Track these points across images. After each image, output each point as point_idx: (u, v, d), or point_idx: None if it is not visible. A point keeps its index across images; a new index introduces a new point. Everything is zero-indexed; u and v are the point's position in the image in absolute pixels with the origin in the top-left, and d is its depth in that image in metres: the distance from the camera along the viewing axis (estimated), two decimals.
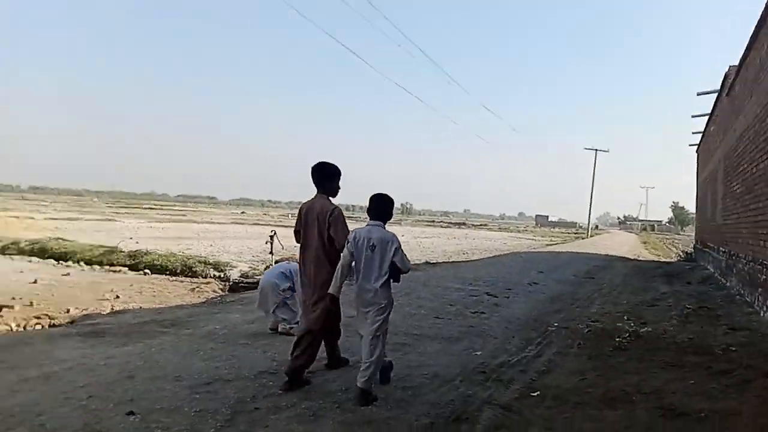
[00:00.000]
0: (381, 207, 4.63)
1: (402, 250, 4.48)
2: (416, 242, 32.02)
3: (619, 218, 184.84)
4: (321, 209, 4.76)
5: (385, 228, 4.58)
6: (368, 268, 4.42)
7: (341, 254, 4.53)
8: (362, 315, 4.50)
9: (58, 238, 19.96)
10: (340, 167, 5.01)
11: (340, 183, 5.00)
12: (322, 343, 4.95)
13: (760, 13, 9.13)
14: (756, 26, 9.68)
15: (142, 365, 4.98)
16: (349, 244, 4.45)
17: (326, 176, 4.92)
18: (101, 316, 8.20)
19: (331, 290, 4.50)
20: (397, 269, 4.46)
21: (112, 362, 5.07)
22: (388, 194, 4.72)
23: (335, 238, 4.68)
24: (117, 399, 4.10)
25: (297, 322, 6.11)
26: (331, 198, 4.93)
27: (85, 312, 8.66)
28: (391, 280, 4.50)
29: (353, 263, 4.45)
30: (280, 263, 8.23)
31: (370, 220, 4.61)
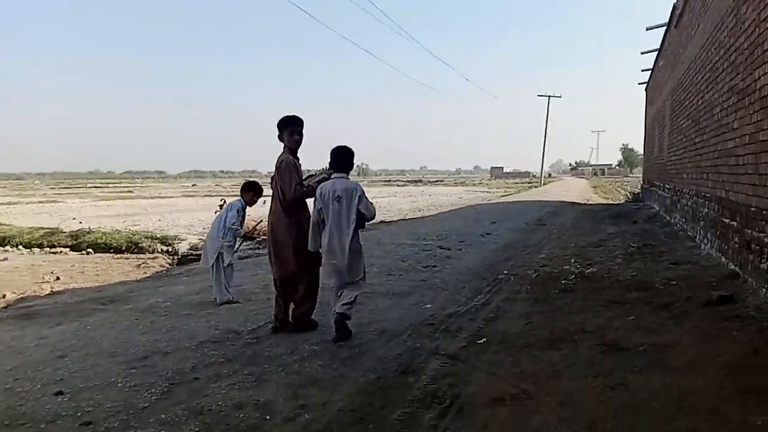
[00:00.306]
0: (342, 159, 4.84)
1: (366, 197, 4.72)
2: (373, 202, 31.91)
3: (571, 165, 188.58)
4: (278, 163, 4.96)
5: (348, 179, 4.81)
6: (338, 219, 4.65)
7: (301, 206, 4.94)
8: (336, 264, 4.70)
9: None
10: (299, 117, 5.11)
11: (302, 133, 5.09)
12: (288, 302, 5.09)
13: None
14: None
15: (75, 343, 4.76)
16: (316, 200, 4.72)
17: (279, 126, 5.05)
18: (38, 298, 7.85)
19: (309, 248, 4.82)
20: (362, 216, 4.69)
21: (43, 342, 4.84)
22: (347, 146, 4.90)
23: (282, 188, 4.88)
24: (46, 379, 3.90)
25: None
26: (291, 149, 5.05)
27: (21, 296, 8.28)
28: (359, 230, 4.74)
29: (322, 217, 4.72)
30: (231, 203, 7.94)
31: (335, 172, 4.83)
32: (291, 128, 5.03)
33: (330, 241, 4.67)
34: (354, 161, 5.07)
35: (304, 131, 5.11)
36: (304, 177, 5.07)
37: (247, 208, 6.65)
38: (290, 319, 5.09)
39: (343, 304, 4.71)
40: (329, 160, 4.86)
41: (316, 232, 4.76)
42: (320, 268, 4.94)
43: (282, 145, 5.09)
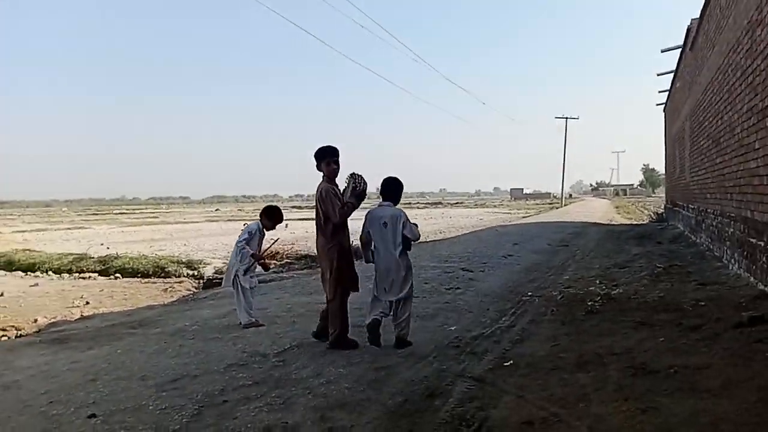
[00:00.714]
0: (390, 188, 5.41)
1: (410, 222, 5.25)
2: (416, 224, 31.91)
3: (591, 185, 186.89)
4: (318, 192, 5.32)
5: (393, 207, 5.34)
6: (385, 242, 5.20)
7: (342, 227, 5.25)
8: (385, 282, 5.21)
9: (26, 249, 19.50)
10: (335, 148, 5.43)
11: (339, 162, 5.39)
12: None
13: None
14: None
15: (106, 367, 4.84)
16: (365, 223, 5.30)
17: (316, 157, 5.38)
18: (69, 322, 8.01)
19: (364, 260, 5.45)
20: (407, 239, 5.22)
21: (75, 367, 4.93)
22: (397, 177, 5.46)
23: (327, 214, 5.23)
24: (79, 403, 3.97)
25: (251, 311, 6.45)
26: (329, 177, 5.37)
27: (53, 320, 8.45)
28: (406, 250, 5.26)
29: (371, 240, 5.26)
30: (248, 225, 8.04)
31: (382, 200, 5.40)
32: (328, 159, 5.35)
33: (382, 263, 5.22)
34: (402, 192, 5.55)
35: (340, 160, 5.42)
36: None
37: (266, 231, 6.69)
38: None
39: (397, 326, 5.24)
40: (380, 188, 5.45)
41: (368, 248, 5.33)
42: (356, 290, 5.44)
43: (321, 174, 5.40)
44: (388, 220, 5.20)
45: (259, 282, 7.63)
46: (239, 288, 6.41)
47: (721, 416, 3.26)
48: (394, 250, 5.19)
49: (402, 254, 5.22)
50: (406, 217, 5.25)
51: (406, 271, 5.26)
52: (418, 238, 5.42)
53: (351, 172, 5.43)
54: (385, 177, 5.47)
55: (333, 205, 5.19)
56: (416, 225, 5.34)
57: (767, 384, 3.69)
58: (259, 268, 6.88)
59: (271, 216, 6.66)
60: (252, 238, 6.51)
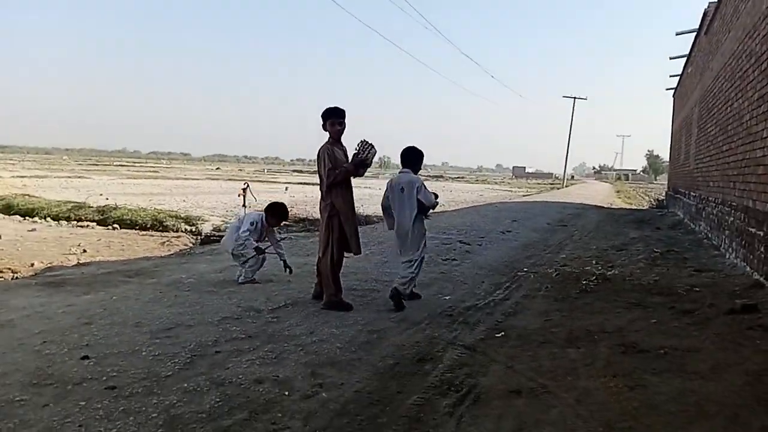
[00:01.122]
0: (410, 157, 5.64)
1: (425, 188, 5.49)
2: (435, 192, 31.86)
3: (594, 168, 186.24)
4: (318, 152, 5.50)
5: (411, 173, 5.56)
6: (401, 206, 5.46)
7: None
8: (401, 245, 5.50)
9: (25, 195, 19.48)
10: (342, 109, 5.53)
11: (344, 123, 5.54)
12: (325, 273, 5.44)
13: None
14: None
15: (101, 312, 4.87)
16: (386, 190, 5.61)
17: (323, 117, 5.50)
18: (65, 268, 8.06)
19: (387, 227, 5.85)
20: (421, 204, 5.44)
21: (70, 310, 4.95)
22: (417, 147, 5.69)
23: (319, 172, 5.46)
24: (72, 344, 4.01)
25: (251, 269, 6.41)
26: (334, 138, 5.51)
27: (49, 265, 8.48)
28: (422, 216, 5.53)
29: (389, 203, 5.58)
30: (250, 214, 8.10)
31: (402, 168, 5.66)
32: (333, 119, 5.47)
33: (398, 225, 5.50)
34: (422, 161, 5.75)
35: (345, 121, 5.55)
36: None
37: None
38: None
39: (399, 280, 5.46)
40: (400, 156, 5.69)
41: (388, 215, 5.67)
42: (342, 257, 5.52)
43: (327, 134, 5.52)
44: (405, 186, 5.46)
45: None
46: (241, 258, 6.41)
47: (707, 397, 3.30)
48: (409, 214, 5.44)
49: (417, 219, 5.46)
50: (422, 184, 5.48)
51: (419, 235, 5.51)
52: (433, 205, 5.58)
53: (362, 139, 5.54)
54: (406, 146, 5.71)
55: (324, 166, 5.37)
56: (435, 194, 5.58)
57: (755, 369, 3.73)
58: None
59: (276, 213, 6.60)
60: (254, 230, 6.42)
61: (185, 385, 3.37)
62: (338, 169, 5.36)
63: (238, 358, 3.87)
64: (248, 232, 6.34)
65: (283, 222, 6.70)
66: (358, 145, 5.51)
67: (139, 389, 3.29)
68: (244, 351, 4.00)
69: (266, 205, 6.83)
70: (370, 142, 5.52)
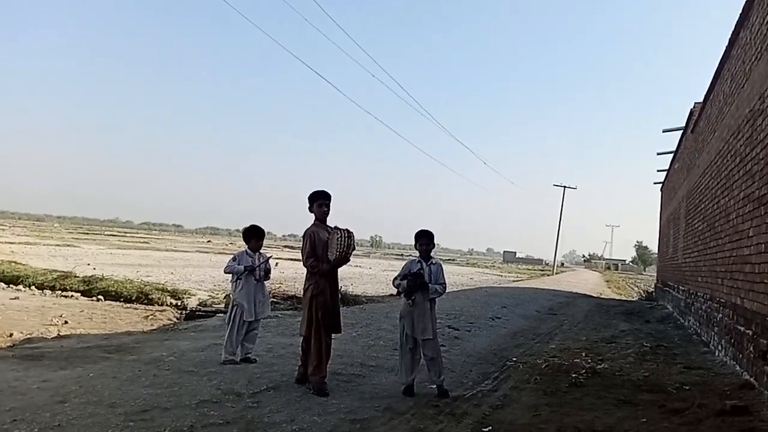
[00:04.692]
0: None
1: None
2: (384, 275, 31.86)
3: (584, 256, 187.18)
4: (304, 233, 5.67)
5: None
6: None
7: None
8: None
9: (12, 261, 19.27)
10: (327, 192, 5.70)
11: (329, 205, 5.66)
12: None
13: (723, 49, 9.40)
14: (719, 63, 9.94)
15: (76, 390, 4.72)
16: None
17: (309, 199, 5.65)
18: (45, 340, 7.86)
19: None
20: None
21: (45, 386, 4.80)
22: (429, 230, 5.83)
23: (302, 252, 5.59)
24: (43, 424, 3.86)
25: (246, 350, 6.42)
26: (319, 219, 5.65)
27: (28, 336, 8.28)
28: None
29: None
30: None
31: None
32: (321, 200, 5.63)
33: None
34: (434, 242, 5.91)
35: (331, 204, 5.69)
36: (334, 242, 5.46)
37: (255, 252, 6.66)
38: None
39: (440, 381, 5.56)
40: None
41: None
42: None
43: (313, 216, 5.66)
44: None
45: None
46: (237, 320, 6.33)
47: None
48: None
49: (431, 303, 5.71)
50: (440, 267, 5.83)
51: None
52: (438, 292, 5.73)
53: (342, 229, 5.40)
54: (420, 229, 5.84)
55: (303, 252, 5.54)
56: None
57: None
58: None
59: (248, 235, 6.70)
60: (237, 263, 6.50)
61: None
62: (317, 265, 5.43)
63: None
64: (231, 260, 6.52)
65: (262, 238, 6.67)
66: (337, 235, 5.37)
67: None
68: None
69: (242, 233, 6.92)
70: (349, 233, 5.39)
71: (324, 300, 5.41)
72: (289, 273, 24.40)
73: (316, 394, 5.14)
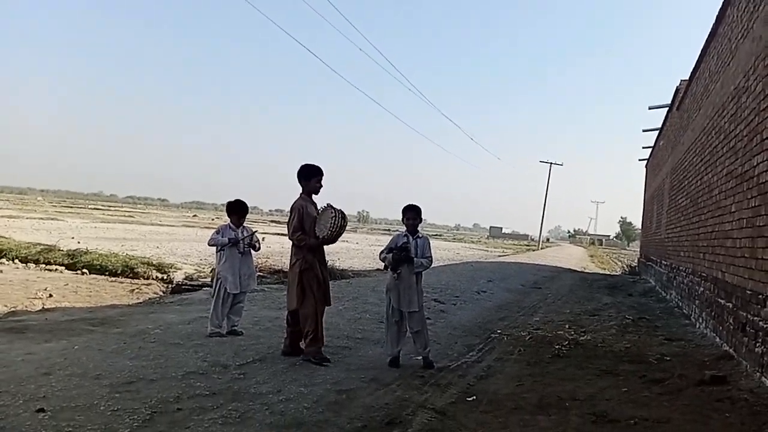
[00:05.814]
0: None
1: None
2: (370, 250, 31.93)
3: (569, 231, 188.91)
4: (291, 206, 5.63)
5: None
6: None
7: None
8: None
9: None
10: (319, 167, 5.66)
11: (321, 181, 5.64)
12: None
13: (710, 27, 9.39)
14: (706, 40, 9.95)
15: (61, 362, 4.70)
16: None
17: (300, 174, 5.60)
18: (29, 313, 7.81)
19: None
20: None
21: (30, 358, 4.78)
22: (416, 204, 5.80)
23: (287, 226, 5.62)
24: (28, 395, 3.84)
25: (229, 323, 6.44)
26: (308, 194, 5.63)
27: (12, 309, 8.22)
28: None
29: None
30: None
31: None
32: (318, 177, 5.63)
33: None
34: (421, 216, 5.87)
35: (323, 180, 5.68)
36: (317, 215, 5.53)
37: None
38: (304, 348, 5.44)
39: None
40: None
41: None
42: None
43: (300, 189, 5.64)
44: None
45: None
46: (221, 292, 6.32)
47: None
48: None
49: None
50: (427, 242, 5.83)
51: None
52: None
53: (329, 204, 5.46)
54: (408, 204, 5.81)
55: (290, 225, 5.54)
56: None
57: None
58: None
59: (234, 210, 6.66)
60: (221, 236, 6.50)
61: None
62: (304, 239, 5.43)
63: (200, 416, 3.73)
64: (215, 235, 6.50)
65: (245, 214, 6.65)
66: (331, 214, 5.36)
67: None
68: (207, 409, 3.87)
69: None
70: (343, 215, 5.39)
71: (315, 274, 5.45)
72: (275, 248, 24.37)
73: (318, 363, 5.23)
